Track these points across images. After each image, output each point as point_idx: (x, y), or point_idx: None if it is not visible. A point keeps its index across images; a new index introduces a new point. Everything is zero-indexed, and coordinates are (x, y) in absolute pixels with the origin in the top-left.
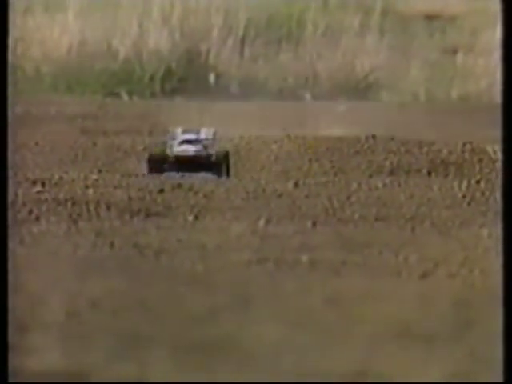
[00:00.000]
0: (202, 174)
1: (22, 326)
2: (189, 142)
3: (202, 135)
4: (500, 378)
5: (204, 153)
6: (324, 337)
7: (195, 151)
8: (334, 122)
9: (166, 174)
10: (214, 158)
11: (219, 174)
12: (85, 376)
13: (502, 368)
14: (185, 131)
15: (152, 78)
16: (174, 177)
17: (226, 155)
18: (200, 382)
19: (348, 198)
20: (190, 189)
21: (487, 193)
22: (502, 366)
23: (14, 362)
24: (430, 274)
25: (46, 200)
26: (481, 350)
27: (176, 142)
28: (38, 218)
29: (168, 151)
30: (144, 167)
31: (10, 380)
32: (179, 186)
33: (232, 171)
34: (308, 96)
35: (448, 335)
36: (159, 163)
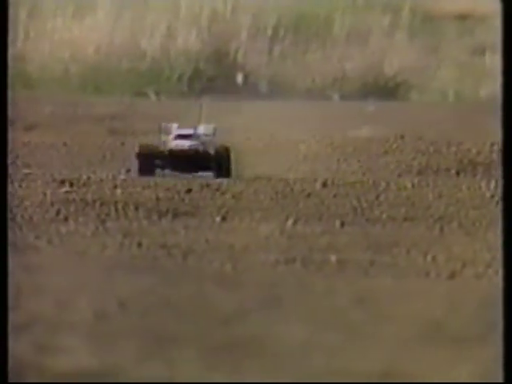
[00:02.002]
0: (200, 174)
1: (51, 326)
2: (184, 136)
3: (200, 131)
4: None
5: (201, 148)
6: (353, 337)
7: (191, 146)
8: (363, 122)
9: (158, 172)
10: (213, 155)
11: (219, 174)
12: (114, 376)
13: (502, 368)
14: (180, 127)
15: (180, 78)
16: (167, 176)
17: (227, 152)
18: (226, 383)
19: (376, 197)
20: (218, 189)
21: None
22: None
23: (46, 362)
24: (458, 275)
25: (74, 200)
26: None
27: (170, 137)
28: (66, 218)
29: (161, 147)
30: (133, 165)
31: (10, 380)
32: (207, 185)
33: (234, 170)
34: (336, 96)
35: (475, 336)
36: (150, 159)
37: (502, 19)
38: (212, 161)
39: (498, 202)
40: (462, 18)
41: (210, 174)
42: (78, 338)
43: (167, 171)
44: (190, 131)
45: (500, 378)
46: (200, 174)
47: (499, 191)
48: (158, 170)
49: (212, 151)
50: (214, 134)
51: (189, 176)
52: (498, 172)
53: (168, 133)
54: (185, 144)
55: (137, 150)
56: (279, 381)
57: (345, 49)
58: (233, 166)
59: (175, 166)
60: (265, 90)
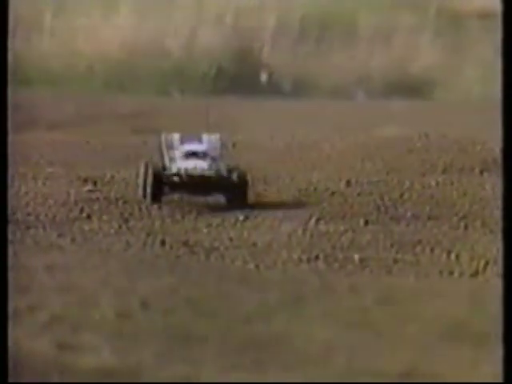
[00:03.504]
0: (213, 197)
1: (74, 324)
2: (194, 154)
3: (207, 144)
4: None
5: (215, 171)
6: (375, 336)
7: (205, 170)
8: (387, 121)
9: (165, 197)
10: (228, 182)
11: (233, 201)
12: (135, 374)
13: (502, 368)
14: (184, 138)
15: (204, 77)
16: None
17: (244, 178)
18: (246, 383)
19: (400, 196)
20: None
21: None
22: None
23: (68, 360)
24: (481, 273)
25: (98, 199)
26: None
27: (177, 154)
28: (89, 217)
29: (168, 165)
30: (140, 191)
31: (10, 380)
32: None
33: (251, 195)
34: (361, 95)
35: (498, 334)
36: (159, 184)
37: (502, 19)
38: (227, 187)
39: None
40: (487, 16)
41: (222, 197)
42: (101, 337)
43: (176, 195)
44: (196, 146)
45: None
46: (213, 196)
47: None
48: (165, 196)
49: (227, 175)
50: (221, 144)
51: (200, 198)
52: None
53: (171, 147)
54: (196, 166)
55: (151, 179)
56: (302, 380)
57: (369, 47)
58: (249, 192)
59: (186, 191)
60: (289, 88)
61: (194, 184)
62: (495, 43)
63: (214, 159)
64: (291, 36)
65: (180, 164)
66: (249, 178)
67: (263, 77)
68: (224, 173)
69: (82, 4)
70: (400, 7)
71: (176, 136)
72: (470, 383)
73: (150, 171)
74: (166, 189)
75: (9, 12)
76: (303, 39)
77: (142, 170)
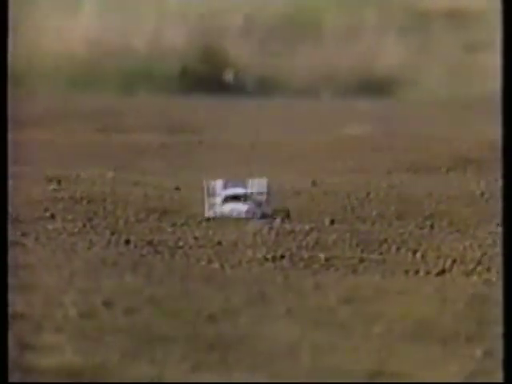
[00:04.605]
0: None
1: (36, 324)
2: (235, 198)
3: (252, 188)
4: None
5: (257, 214)
6: (341, 335)
7: (246, 213)
8: (353, 120)
9: None
10: (267, 213)
11: None
12: (99, 374)
13: (502, 368)
14: (227, 183)
15: (169, 76)
16: None
17: (287, 217)
18: (213, 383)
19: (367, 195)
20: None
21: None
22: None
23: (31, 360)
24: (448, 272)
25: (62, 198)
26: (498, 349)
27: (218, 200)
28: (53, 216)
29: (208, 213)
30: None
31: (10, 380)
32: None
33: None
34: (327, 94)
35: (464, 333)
36: None
37: (502, 19)
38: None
39: (487, 200)
40: (454, 14)
41: None
42: (64, 337)
43: None
44: (240, 190)
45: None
46: None
47: (489, 189)
48: None
49: (267, 210)
50: (268, 191)
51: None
52: (488, 169)
53: (213, 194)
54: (239, 209)
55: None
56: (267, 380)
57: (336, 47)
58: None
59: None
60: (255, 88)
61: None
62: (463, 42)
63: (258, 204)
64: (257, 35)
65: (218, 209)
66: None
67: (229, 76)
68: (263, 217)
69: (47, 3)
70: (367, 6)
71: (219, 182)
72: (468, 383)
73: None
74: None
75: (9, 12)
76: (270, 38)
77: None
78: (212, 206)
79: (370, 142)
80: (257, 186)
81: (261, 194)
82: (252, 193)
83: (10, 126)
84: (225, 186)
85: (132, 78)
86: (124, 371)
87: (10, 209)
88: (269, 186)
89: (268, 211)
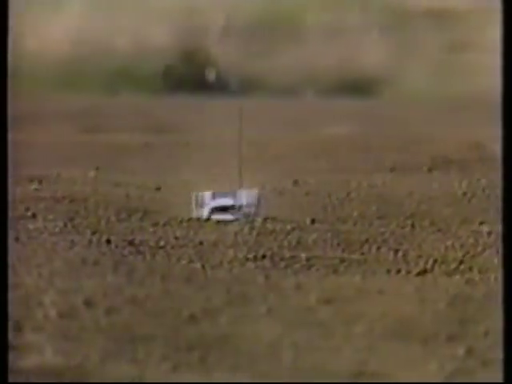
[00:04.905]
0: None
1: (16, 323)
2: (222, 209)
3: (241, 199)
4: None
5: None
6: (322, 335)
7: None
8: (335, 120)
9: None
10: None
11: None
12: (79, 375)
13: (502, 368)
14: (216, 194)
15: (152, 76)
16: None
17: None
18: (195, 383)
19: (348, 195)
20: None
21: (488, 190)
22: (502, 365)
23: (9, 361)
24: (429, 272)
25: (43, 198)
26: (478, 347)
27: (206, 210)
28: (34, 215)
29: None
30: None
31: (10, 380)
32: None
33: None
34: (309, 93)
35: (445, 333)
36: None
37: (502, 19)
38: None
39: (470, 200)
40: (437, 14)
41: None
42: (44, 337)
43: None
44: (229, 201)
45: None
46: None
47: (471, 189)
48: None
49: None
50: (258, 202)
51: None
52: (471, 169)
53: (201, 205)
54: (225, 219)
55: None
56: (248, 380)
57: (318, 46)
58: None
59: None
60: (237, 87)
61: None
62: (446, 41)
63: (247, 215)
64: (240, 35)
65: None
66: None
67: (211, 75)
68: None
69: (29, 1)
70: (348, 6)
71: (207, 193)
72: (468, 383)
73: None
74: None
75: (9, 12)
76: (252, 38)
77: None
78: (200, 217)
79: (351, 141)
80: (246, 197)
81: (250, 205)
82: (241, 205)
83: None
84: (213, 197)
85: (114, 77)
86: (105, 371)
87: None
88: (259, 198)
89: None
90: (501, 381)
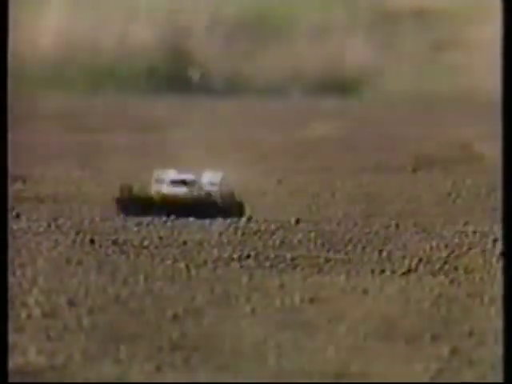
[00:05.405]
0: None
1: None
2: (181, 182)
3: (205, 179)
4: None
5: (202, 195)
6: (306, 335)
7: (188, 192)
8: (320, 120)
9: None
10: (217, 202)
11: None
12: (63, 374)
13: (502, 368)
14: (178, 173)
15: (137, 75)
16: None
17: (231, 200)
18: (180, 383)
19: (332, 195)
20: None
21: (473, 190)
22: (502, 365)
23: None
24: (413, 271)
25: (27, 198)
26: (463, 347)
27: (165, 185)
28: (18, 215)
29: (153, 193)
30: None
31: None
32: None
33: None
34: (295, 93)
35: (429, 333)
36: (134, 205)
37: (502, 19)
38: (208, 211)
39: (454, 200)
40: (421, 14)
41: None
42: (27, 336)
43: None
44: (190, 177)
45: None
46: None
47: (456, 188)
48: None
49: (208, 197)
50: (221, 184)
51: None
52: (456, 169)
53: (161, 181)
54: (181, 190)
55: (119, 194)
56: (232, 380)
57: (304, 46)
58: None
59: (161, 213)
60: (223, 87)
61: (171, 207)
62: (430, 41)
63: (209, 194)
64: (225, 35)
65: (163, 190)
66: (240, 201)
67: (196, 75)
68: (205, 196)
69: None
70: (334, 6)
71: (172, 171)
72: (469, 383)
73: (127, 191)
74: (139, 209)
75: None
76: (237, 38)
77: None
78: (158, 190)
79: (336, 141)
80: (210, 177)
81: (212, 184)
82: (202, 182)
83: None
84: (176, 175)
85: (99, 77)
86: (88, 371)
87: None
88: (223, 180)
89: (219, 202)
90: (501, 381)
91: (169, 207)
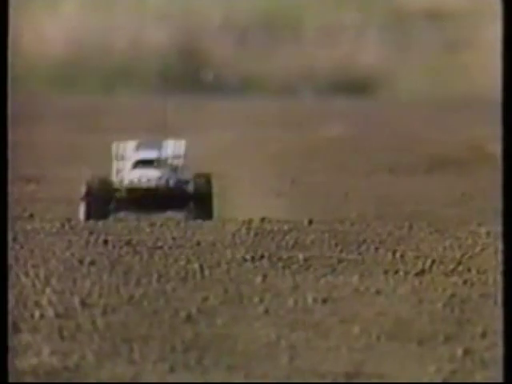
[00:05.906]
0: (169, 214)
1: (14, 324)
2: (146, 162)
3: (167, 151)
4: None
5: (172, 182)
6: (319, 335)
7: (158, 179)
8: (333, 120)
9: (112, 216)
10: (189, 192)
11: (196, 214)
12: (76, 374)
13: (502, 368)
14: (140, 146)
15: (150, 75)
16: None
17: (208, 184)
18: (193, 383)
19: (345, 195)
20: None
21: (486, 191)
22: (502, 365)
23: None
24: (427, 272)
25: (41, 198)
26: (476, 348)
27: (127, 164)
28: (31, 216)
29: (116, 180)
30: (80, 210)
31: (11, 380)
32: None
33: (218, 208)
34: (308, 93)
35: (442, 333)
36: (102, 201)
37: (502, 19)
38: (188, 199)
39: (467, 201)
40: (434, 15)
41: (182, 214)
42: (40, 337)
43: (124, 213)
44: (153, 154)
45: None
46: (169, 213)
47: (470, 189)
48: (112, 214)
49: (187, 186)
50: (184, 154)
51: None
52: (470, 170)
53: (122, 157)
54: (149, 176)
55: (84, 192)
56: (245, 380)
57: (316, 47)
58: (215, 202)
59: (136, 207)
60: (235, 87)
61: (141, 199)
62: (443, 42)
63: (174, 169)
64: (238, 35)
65: (126, 175)
66: (215, 187)
67: (209, 75)
68: (180, 184)
69: (25, 2)
70: (347, 5)
71: (131, 144)
72: (467, 383)
73: (94, 188)
74: (112, 206)
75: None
76: (250, 38)
77: (83, 190)
78: (120, 171)
79: (349, 142)
80: (173, 148)
81: (177, 157)
82: (166, 157)
83: None
84: (137, 149)
85: (112, 77)
86: (101, 372)
87: None
88: (186, 149)
89: (185, 177)
90: (501, 381)
91: (137, 200)
